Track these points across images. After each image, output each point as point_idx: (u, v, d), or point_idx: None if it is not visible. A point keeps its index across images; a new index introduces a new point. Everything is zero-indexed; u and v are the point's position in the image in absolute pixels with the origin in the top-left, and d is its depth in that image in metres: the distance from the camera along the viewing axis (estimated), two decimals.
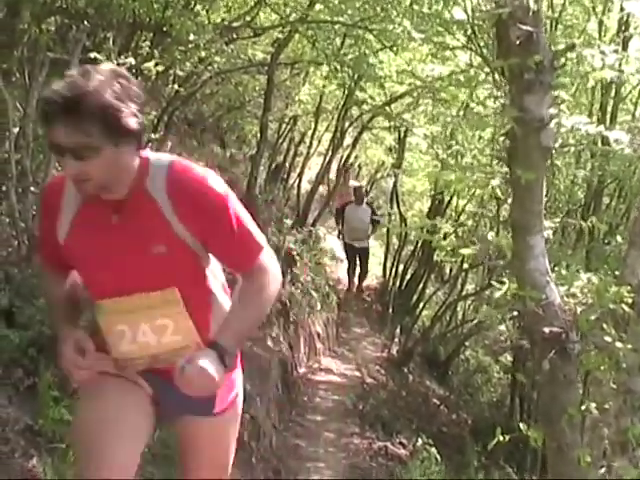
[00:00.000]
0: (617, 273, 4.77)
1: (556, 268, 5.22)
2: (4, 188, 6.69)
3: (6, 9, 7.17)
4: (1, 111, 6.50)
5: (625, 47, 8.19)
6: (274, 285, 3.31)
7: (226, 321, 3.20)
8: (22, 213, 6.42)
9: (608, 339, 4.25)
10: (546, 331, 4.34)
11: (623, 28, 9.90)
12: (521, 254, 4.55)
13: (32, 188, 6.61)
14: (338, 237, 17.83)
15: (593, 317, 4.33)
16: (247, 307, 3.23)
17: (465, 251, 4.62)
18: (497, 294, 4.58)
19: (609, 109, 10.68)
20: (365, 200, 17.06)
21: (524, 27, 3.92)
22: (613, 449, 4.27)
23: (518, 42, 3.97)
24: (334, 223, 18.60)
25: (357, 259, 17.28)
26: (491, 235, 4.78)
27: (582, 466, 4.34)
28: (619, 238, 6.29)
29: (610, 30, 10.58)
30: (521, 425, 4.48)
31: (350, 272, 17.74)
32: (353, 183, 18.68)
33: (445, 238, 5.25)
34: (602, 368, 4.34)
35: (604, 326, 4.33)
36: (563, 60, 4.15)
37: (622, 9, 9.27)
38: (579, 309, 4.47)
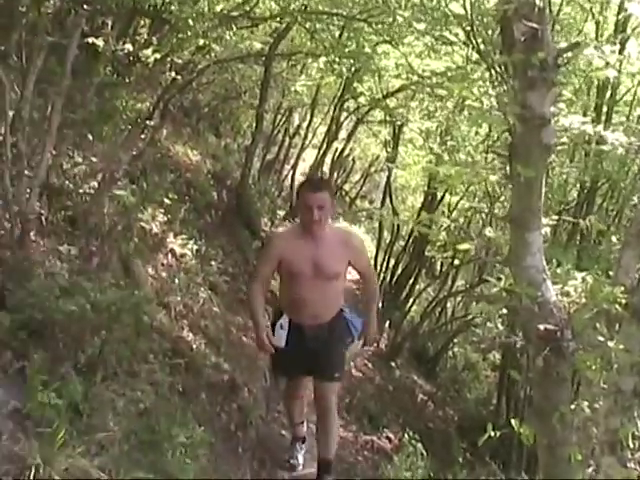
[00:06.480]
0: (610, 273, 4.77)
1: (547, 266, 5.23)
2: None
3: None
4: None
5: (623, 48, 8.19)
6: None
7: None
8: (16, 196, 6.40)
9: (601, 338, 4.26)
10: (541, 328, 4.35)
11: (621, 29, 9.91)
12: (518, 250, 4.55)
13: (26, 172, 6.60)
14: None
15: (587, 316, 4.34)
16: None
17: (462, 247, 4.63)
18: (493, 290, 4.60)
19: (604, 109, 10.69)
20: None
21: (529, 24, 3.92)
22: (602, 449, 4.28)
23: (523, 39, 3.97)
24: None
25: None
26: (489, 231, 4.79)
27: (573, 464, 4.36)
28: (614, 238, 6.30)
29: (607, 30, 10.59)
30: (512, 422, 4.48)
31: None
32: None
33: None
34: (593, 368, 4.34)
35: (597, 325, 4.34)
36: (567, 58, 4.15)
37: (620, 10, 9.29)
38: (572, 308, 4.49)
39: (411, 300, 17.20)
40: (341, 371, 6.97)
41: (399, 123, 15.92)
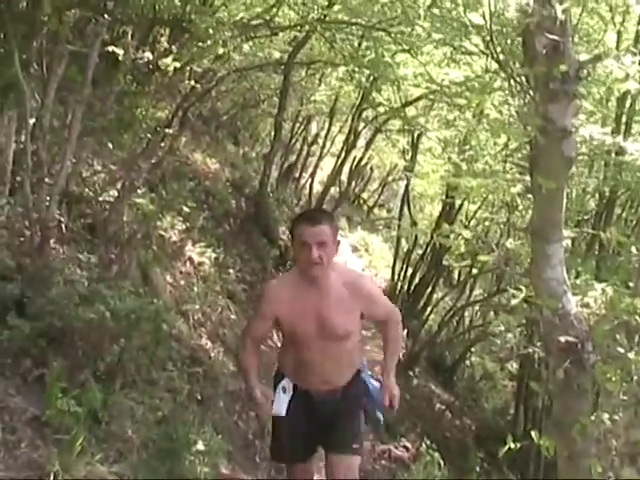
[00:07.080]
0: (630, 284, 4.75)
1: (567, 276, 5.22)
2: (19, 178, 6.71)
3: (27, 0, 7.19)
4: (18, 101, 6.51)
5: None
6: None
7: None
8: (36, 204, 6.43)
9: (621, 350, 4.24)
10: (562, 340, 4.34)
11: None
12: (539, 262, 4.55)
13: (47, 179, 6.62)
14: None
15: (607, 327, 4.32)
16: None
17: (483, 258, 4.61)
18: (514, 301, 4.58)
19: (624, 120, 10.64)
20: None
21: (551, 37, 3.91)
22: (622, 460, 4.26)
23: (544, 51, 3.96)
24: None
25: None
26: (509, 242, 4.78)
27: (593, 475, 4.34)
28: (633, 249, 6.24)
29: (627, 40, 10.55)
30: (532, 433, 4.45)
31: None
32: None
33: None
34: (613, 379, 4.33)
35: (617, 337, 4.32)
36: (589, 71, 4.14)
37: None
38: (592, 319, 4.47)
39: (429, 309, 17.19)
40: (360, 441, 5.26)
41: (417, 132, 15.92)
